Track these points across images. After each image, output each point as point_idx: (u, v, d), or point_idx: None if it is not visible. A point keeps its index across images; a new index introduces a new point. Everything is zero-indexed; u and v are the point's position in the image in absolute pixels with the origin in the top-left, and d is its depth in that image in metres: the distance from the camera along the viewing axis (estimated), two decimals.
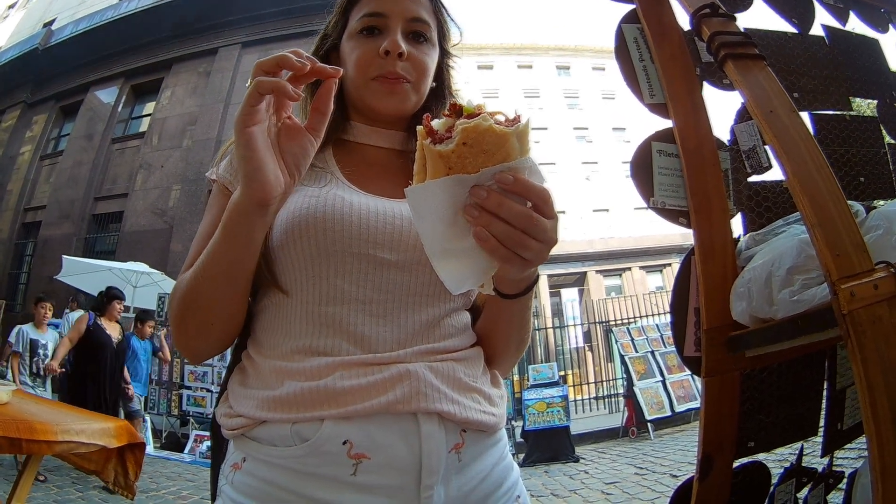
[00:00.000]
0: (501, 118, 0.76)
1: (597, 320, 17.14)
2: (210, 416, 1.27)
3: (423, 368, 0.97)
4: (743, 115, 1.84)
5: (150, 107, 18.09)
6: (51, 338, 7.33)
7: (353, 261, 0.99)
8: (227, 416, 1.01)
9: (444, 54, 1.27)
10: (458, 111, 0.76)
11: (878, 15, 2.51)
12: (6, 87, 19.78)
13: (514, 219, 0.76)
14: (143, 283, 10.95)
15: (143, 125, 17.82)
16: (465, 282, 0.82)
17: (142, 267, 10.90)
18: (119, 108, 18.29)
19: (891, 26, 2.51)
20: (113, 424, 3.50)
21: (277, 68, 0.83)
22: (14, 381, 6.52)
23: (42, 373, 6.98)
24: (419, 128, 0.76)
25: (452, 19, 1.27)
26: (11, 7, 26.59)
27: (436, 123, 0.76)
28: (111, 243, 16.17)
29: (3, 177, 18.71)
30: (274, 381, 0.98)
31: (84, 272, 11.31)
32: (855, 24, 2.42)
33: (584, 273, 29.41)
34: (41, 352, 7.07)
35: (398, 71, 1.12)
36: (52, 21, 22.05)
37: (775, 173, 1.75)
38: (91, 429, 3.26)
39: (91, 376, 6.85)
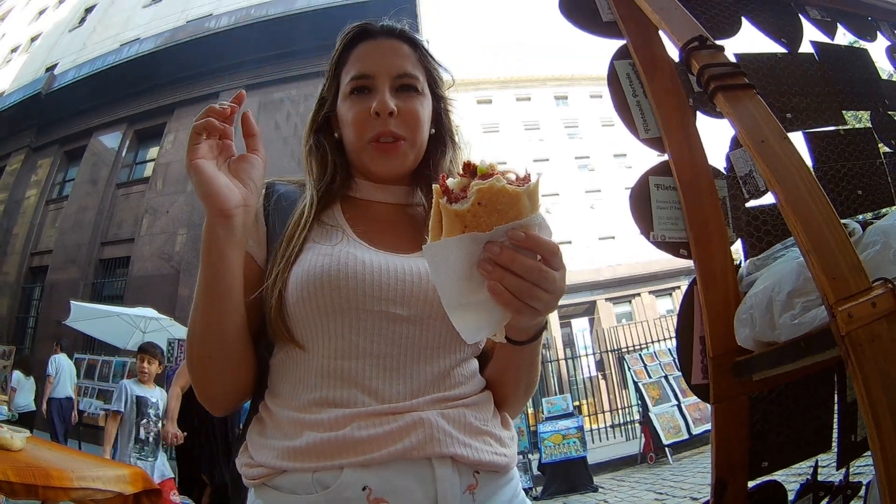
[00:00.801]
0: (513, 177, 0.81)
1: (608, 348, 17.03)
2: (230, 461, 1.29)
3: (435, 416, 1.01)
4: (738, 142, 1.87)
5: (153, 151, 18.05)
6: (160, 395, 5.74)
7: (367, 317, 1.03)
8: (248, 465, 1.04)
9: (439, 100, 1.31)
10: (472, 171, 0.81)
11: (865, 24, 2.54)
12: (11, 132, 19.80)
13: (525, 272, 0.81)
14: (153, 329, 10.89)
15: (148, 170, 17.77)
16: (481, 332, 0.86)
17: (150, 312, 10.81)
18: (123, 153, 18.28)
19: (878, 34, 2.54)
20: (129, 471, 3.52)
21: (206, 116, 0.97)
22: (107, 452, 5.34)
23: (150, 438, 5.42)
24: (435, 186, 0.81)
25: (440, 65, 1.31)
26: (14, 51, 26.77)
27: (451, 183, 0.81)
28: (119, 288, 16.10)
29: (10, 221, 18.64)
30: (293, 431, 1.01)
31: (93, 318, 11.23)
32: (844, 35, 2.46)
33: (594, 302, 29.26)
34: (151, 412, 5.52)
35: (392, 129, 1.16)
36: (55, 66, 22.14)
37: (773, 196, 1.78)
38: (107, 475, 3.28)
39: (203, 432, 5.51)
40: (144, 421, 5.42)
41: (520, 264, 0.80)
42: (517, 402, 1.20)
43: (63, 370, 10.61)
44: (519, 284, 0.81)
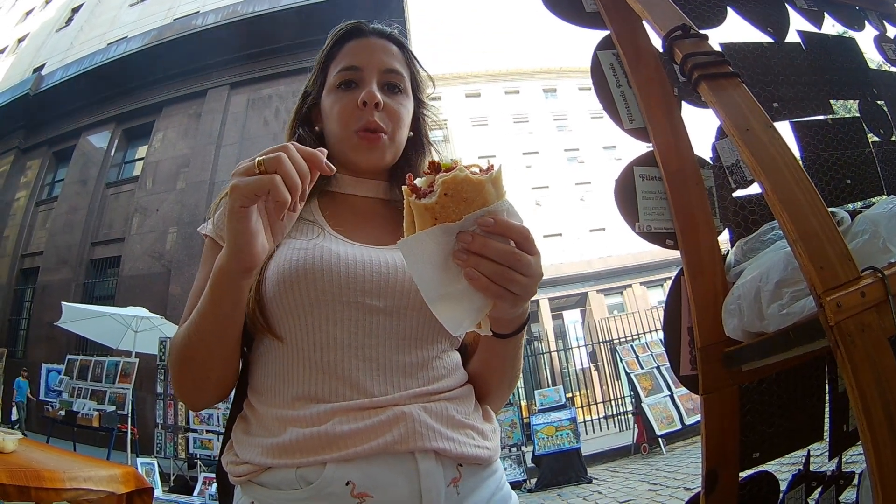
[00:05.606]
0: (476, 170, 0.82)
1: (600, 340, 17.10)
2: (217, 459, 1.31)
3: (417, 410, 1.02)
4: (724, 132, 1.86)
5: (142, 150, 17.87)
6: None
7: (345, 309, 1.04)
8: (233, 463, 1.05)
9: (419, 104, 1.34)
10: (436, 168, 0.82)
11: (853, 13, 2.54)
12: None
13: (499, 256, 0.81)
14: (145, 328, 10.86)
15: (137, 169, 17.62)
16: (464, 322, 0.86)
17: (142, 312, 10.78)
18: (112, 153, 18.08)
19: (866, 23, 2.54)
20: (120, 471, 3.50)
21: (284, 172, 0.85)
22: None
23: None
24: (404, 187, 0.82)
25: (425, 69, 1.35)
26: (1, 52, 26.67)
27: (418, 181, 0.82)
28: (110, 288, 16.00)
29: (0, 223, 18.66)
30: (277, 428, 1.01)
31: (84, 318, 11.18)
32: (833, 27, 2.45)
33: (586, 293, 29.30)
34: None
35: (376, 121, 1.18)
36: (42, 66, 22.02)
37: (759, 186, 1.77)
38: (98, 475, 3.27)
39: None
40: None
41: (492, 249, 0.81)
42: (500, 394, 1.22)
43: None
44: (494, 269, 0.82)
